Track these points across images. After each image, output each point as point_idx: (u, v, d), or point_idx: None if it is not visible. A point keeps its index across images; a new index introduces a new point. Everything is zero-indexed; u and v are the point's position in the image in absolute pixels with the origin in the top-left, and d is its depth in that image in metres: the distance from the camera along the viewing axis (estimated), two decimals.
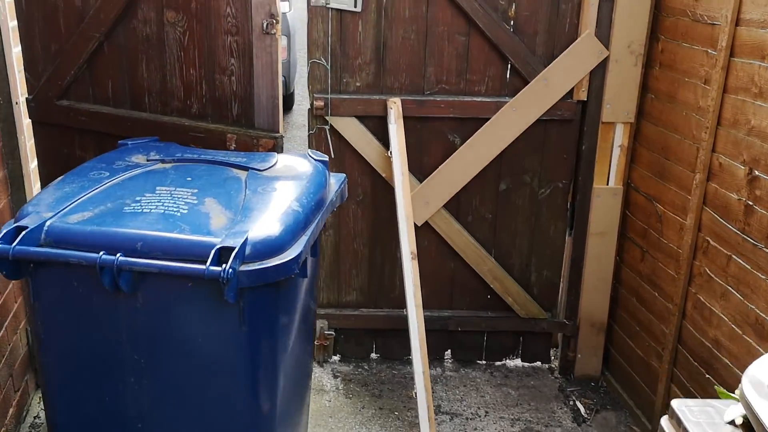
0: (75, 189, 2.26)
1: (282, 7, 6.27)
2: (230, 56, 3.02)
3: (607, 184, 3.69)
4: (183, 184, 2.34)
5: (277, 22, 2.87)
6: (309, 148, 3.64)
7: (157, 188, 2.30)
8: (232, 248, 1.96)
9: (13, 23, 3.35)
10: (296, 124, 7.07)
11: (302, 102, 7.40)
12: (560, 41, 3.51)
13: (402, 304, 3.63)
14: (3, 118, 3.35)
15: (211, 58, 3.06)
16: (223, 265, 1.92)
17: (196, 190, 2.30)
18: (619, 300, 3.82)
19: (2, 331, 3.08)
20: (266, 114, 3.02)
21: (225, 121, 3.11)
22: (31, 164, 3.57)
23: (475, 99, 3.59)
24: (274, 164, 2.57)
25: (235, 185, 2.37)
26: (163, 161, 2.57)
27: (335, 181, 2.69)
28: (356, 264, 3.89)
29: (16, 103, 3.37)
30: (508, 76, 3.58)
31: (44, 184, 3.53)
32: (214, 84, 3.09)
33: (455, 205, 3.76)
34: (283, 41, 6.39)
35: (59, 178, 2.40)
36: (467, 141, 3.62)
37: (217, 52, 3.03)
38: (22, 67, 3.41)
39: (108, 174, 2.39)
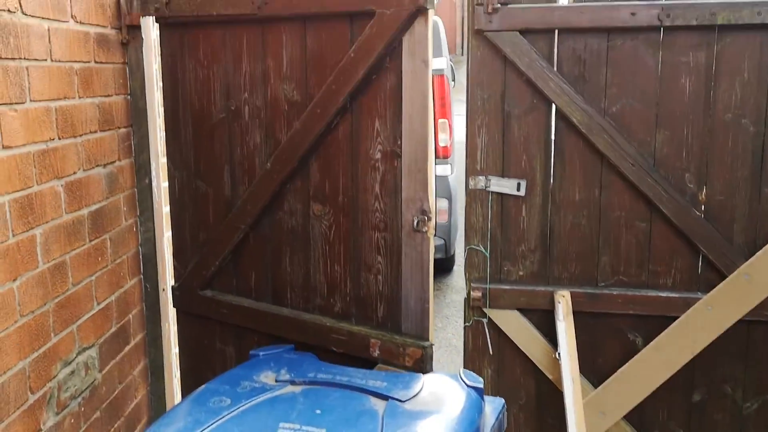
0: (189, 425, 1.99)
1: (443, 171, 6.11)
2: (377, 253, 2.75)
3: None
4: (310, 419, 2.01)
5: (429, 219, 2.58)
6: (464, 340, 3.26)
7: (281, 426, 1.97)
8: None
9: (166, 209, 3.32)
10: (455, 288, 6.74)
11: (463, 263, 7.08)
12: (764, 230, 2.95)
13: None
14: (149, 305, 3.27)
15: (357, 255, 2.80)
16: None
17: (323, 431, 1.94)
18: None
19: None
20: (414, 319, 2.68)
21: (369, 324, 2.80)
22: (173, 350, 3.43)
23: (659, 294, 3.06)
24: (419, 392, 2.19)
25: (369, 425, 2.00)
26: (293, 382, 2.27)
27: (491, 409, 2.26)
28: None
29: (163, 290, 3.29)
30: (699, 268, 3.04)
31: (183, 374, 3.36)
32: (359, 282, 2.81)
33: (637, 418, 3.16)
34: (444, 204, 6.19)
35: (177, 404, 2.15)
36: (652, 342, 3.07)
37: (364, 248, 2.78)
38: (171, 254, 3.34)
39: (230, 402, 2.10)
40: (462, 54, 26.33)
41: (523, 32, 2.97)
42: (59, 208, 2.54)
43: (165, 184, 3.31)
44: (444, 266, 6.86)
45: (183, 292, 3.24)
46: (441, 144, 6.11)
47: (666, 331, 3.06)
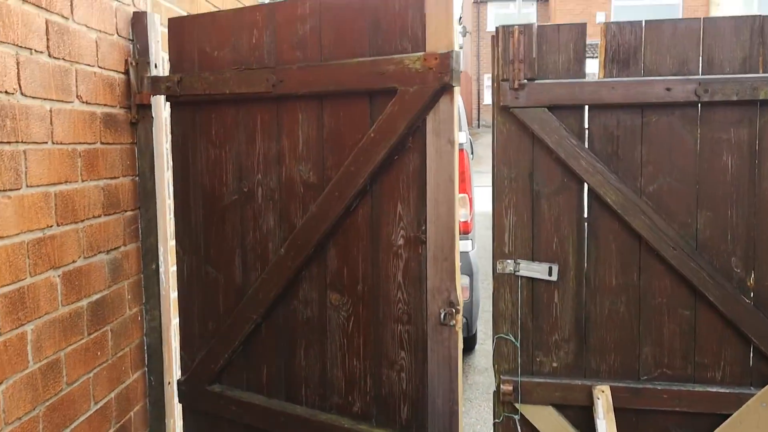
0: None
1: (464, 246, 5.90)
2: (400, 348, 2.52)
3: None
4: None
5: (458, 312, 2.36)
6: None
7: None
8: None
9: (174, 295, 3.13)
10: (478, 369, 6.43)
11: (485, 341, 6.87)
12: None
13: None
14: (153, 401, 3.04)
15: (378, 349, 2.58)
16: None
17: None
18: None
19: None
20: (442, 421, 2.43)
21: (392, 426, 2.56)
22: None
23: (708, 389, 2.80)
24: None
25: None
26: None
27: None
28: None
29: (168, 383, 3.06)
30: (751, 360, 2.78)
31: None
32: (381, 380, 2.58)
33: None
34: (465, 281, 5.96)
35: None
36: None
37: (385, 342, 2.55)
38: (178, 344, 3.12)
39: None
40: (478, 126, 26.49)
41: (552, 108, 2.81)
42: (55, 300, 2.35)
43: (173, 269, 3.13)
44: (465, 345, 6.59)
45: (190, 386, 3.01)
46: (461, 219, 5.93)
47: (717, 430, 2.78)
